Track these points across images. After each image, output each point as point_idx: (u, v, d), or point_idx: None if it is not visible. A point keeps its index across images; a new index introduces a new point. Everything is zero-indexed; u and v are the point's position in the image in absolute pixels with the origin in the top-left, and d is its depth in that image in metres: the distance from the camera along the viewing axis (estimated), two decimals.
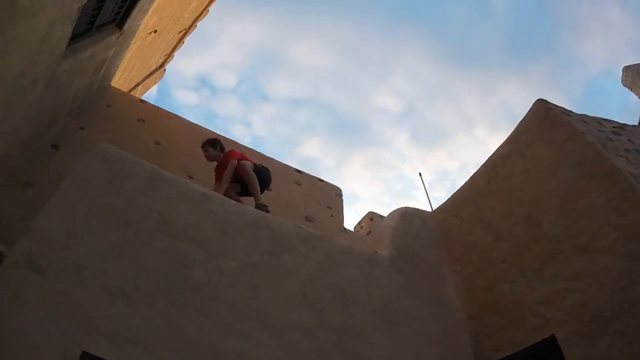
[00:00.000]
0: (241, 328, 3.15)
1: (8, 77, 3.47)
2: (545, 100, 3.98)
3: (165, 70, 7.07)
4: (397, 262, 4.07)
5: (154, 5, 4.58)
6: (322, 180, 6.11)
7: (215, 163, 4.94)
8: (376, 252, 4.19)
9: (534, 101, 4.05)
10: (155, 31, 4.99)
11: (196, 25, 6.78)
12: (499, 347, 3.65)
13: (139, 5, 4.38)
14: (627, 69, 5.85)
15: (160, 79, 6.92)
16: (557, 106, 3.99)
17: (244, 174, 4.55)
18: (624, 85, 6.02)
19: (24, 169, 4.27)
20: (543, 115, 3.89)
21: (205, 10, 6.52)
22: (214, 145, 4.93)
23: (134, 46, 4.79)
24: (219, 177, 4.83)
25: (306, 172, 6.25)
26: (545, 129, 3.84)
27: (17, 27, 3.28)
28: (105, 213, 3.21)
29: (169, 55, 6.87)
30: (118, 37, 4.48)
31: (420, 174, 6.78)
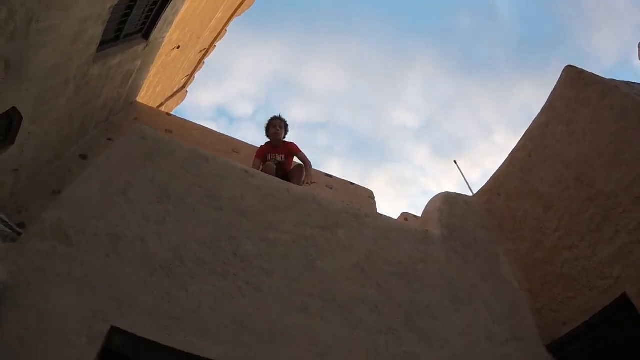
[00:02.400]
0: (301, 303, 2.89)
1: (41, 70, 3.48)
2: (574, 66, 3.92)
3: (187, 92, 7.19)
4: (450, 241, 3.83)
5: (177, 19, 4.83)
6: (352, 184, 5.99)
7: (266, 143, 5.04)
8: (427, 230, 3.93)
9: None
10: (179, 47, 5.20)
11: (215, 46, 7.00)
12: (566, 320, 3.37)
13: (164, 15, 4.64)
14: None
15: (182, 101, 7.05)
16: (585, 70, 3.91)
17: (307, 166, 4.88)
18: None
19: (52, 177, 4.11)
20: (575, 79, 3.85)
21: (223, 30, 6.73)
22: (286, 129, 5.07)
23: (159, 61, 4.99)
24: (262, 156, 4.89)
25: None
26: (579, 90, 3.78)
27: (52, 17, 3.39)
28: (144, 186, 3.06)
29: (190, 77, 7.04)
30: (144, 49, 4.68)
31: (455, 161, 6.70)
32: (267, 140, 4.99)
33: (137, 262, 2.77)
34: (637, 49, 5.70)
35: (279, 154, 4.96)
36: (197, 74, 6.70)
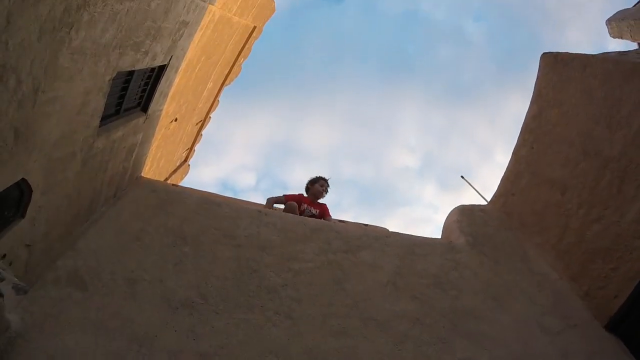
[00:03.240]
0: (337, 326, 2.73)
1: (49, 141, 3.62)
2: (548, 52, 4.02)
3: (189, 165, 7.41)
4: (477, 247, 3.67)
5: (172, 91, 5.17)
6: (367, 225, 6.06)
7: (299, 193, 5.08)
8: (451, 241, 3.80)
9: None
10: (176, 119, 5.44)
11: (210, 117, 7.27)
12: (616, 293, 3.17)
13: (159, 88, 4.95)
14: (609, 21, 6.21)
15: (186, 175, 7.14)
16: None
17: None
18: (613, 37, 6.31)
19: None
20: (553, 62, 3.92)
21: (215, 100, 7.10)
22: (326, 193, 5.16)
23: (159, 134, 5.21)
24: (295, 200, 4.86)
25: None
26: (560, 71, 3.84)
27: (57, 88, 3.62)
28: (158, 231, 3.02)
29: (191, 150, 7.21)
30: (144, 122, 4.93)
31: (462, 176, 6.58)
32: (303, 193, 5.14)
33: (156, 302, 2.60)
34: (606, 26, 5.89)
35: (314, 208, 4.99)
36: (197, 147, 6.97)
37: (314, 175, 5.26)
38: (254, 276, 2.92)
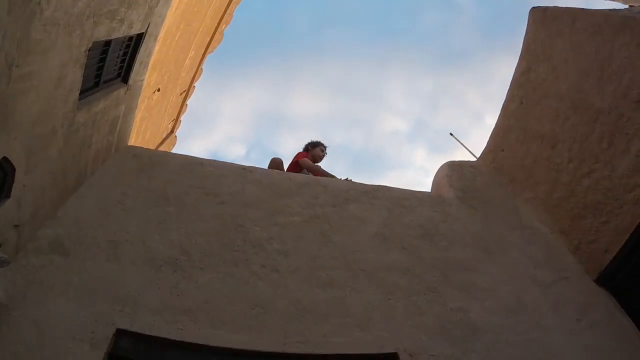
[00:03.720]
0: (326, 277, 2.65)
1: (27, 117, 3.49)
2: (537, 6, 3.92)
3: (176, 137, 7.24)
4: (467, 200, 3.59)
5: (152, 60, 4.97)
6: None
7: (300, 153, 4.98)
8: (440, 195, 3.72)
9: None
10: (159, 89, 5.28)
11: (195, 87, 7.15)
12: (607, 247, 3.12)
13: (138, 58, 4.77)
14: None
15: (173, 146, 6.93)
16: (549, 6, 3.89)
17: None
18: None
19: None
20: (542, 17, 3.82)
21: (199, 68, 6.98)
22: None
23: (142, 105, 5.03)
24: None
25: None
26: (549, 26, 3.75)
27: (32, 62, 3.46)
28: (140, 194, 2.91)
29: (177, 120, 7.05)
30: (126, 93, 4.76)
31: (451, 133, 6.49)
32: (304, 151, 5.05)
33: (139, 262, 2.49)
34: None
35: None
36: (183, 118, 6.81)
37: (314, 139, 5.17)
38: (238, 231, 2.82)
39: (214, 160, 3.34)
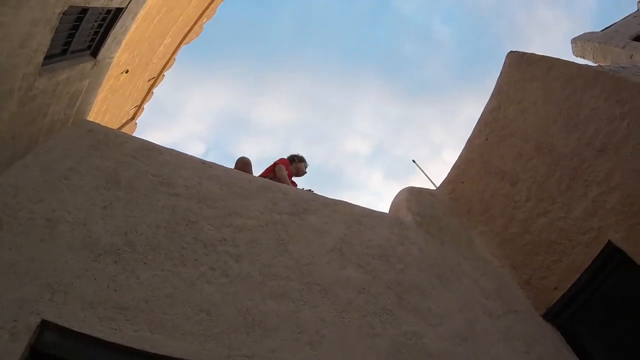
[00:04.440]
0: (278, 287, 2.42)
1: None
2: (516, 50, 3.92)
3: (136, 124, 6.72)
4: (424, 226, 3.47)
5: (126, 39, 4.59)
6: None
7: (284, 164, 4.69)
8: (399, 217, 3.58)
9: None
10: (127, 71, 4.88)
11: (164, 75, 6.69)
12: (556, 285, 3.11)
13: (112, 33, 4.39)
14: (575, 40, 6.43)
15: (132, 133, 6.64)
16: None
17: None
18: (576, 56, 6.55)
19: None
20: (519, 61, 3.82)
21: (172, 58, 6.49)
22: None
23: (107, 85, 4.62)
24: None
25: None
26: (524, 70, 3.75)
27: (2, 13, 3.08)
28: (90, 172, 2.59)
29: (139, 107, 6.52)
30: (92, 67, 4.35)
31: (414, 160, 6.59)
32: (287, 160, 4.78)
33: (77, 247, 2.16)
34: (571, 45, 6.01)
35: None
36: (146, 106, 6.35)
37: (299, 154, 4.91)
38: (190, 228, 2.52)
39: (174, 149, 3.03)
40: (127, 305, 2.06)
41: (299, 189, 3.44)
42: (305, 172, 4.89)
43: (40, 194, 2.33)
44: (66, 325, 1.88)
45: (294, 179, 4.75)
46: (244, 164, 4.07)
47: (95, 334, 1.91)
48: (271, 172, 4.44)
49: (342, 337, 2.33)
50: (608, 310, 2.90)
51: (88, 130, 2.86)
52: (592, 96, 3.24)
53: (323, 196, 3.32)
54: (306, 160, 4.97)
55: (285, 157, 4.77)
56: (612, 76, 3.25)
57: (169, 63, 5.97)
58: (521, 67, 3.75)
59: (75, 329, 1.89)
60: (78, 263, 2.12)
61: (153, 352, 1.95)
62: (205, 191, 2.80)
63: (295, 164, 4.81)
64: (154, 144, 3.04)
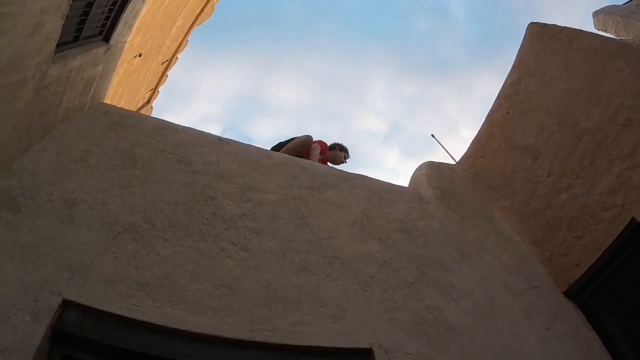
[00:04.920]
0: (299, 262, 2.36)
1: None
2: (537, 22, 3.77)
3: (152, 107, 6.73)
4: (444, 200, 3.38)
5: (137, 23, 4.51)
6: None
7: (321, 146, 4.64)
8: (419, 192, 3.48)
9: None
10: (140, 55, 4.82)
11: (177, 58, 6.60)
12: (579, 262, 3.00)
13: (123, 17, 4.31)
14: (596, 13, 6.20)
15: None
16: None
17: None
18: (597, 29, 6.29)
19: None
20: (540, 32, 3.66)
21: (184, 40, 6.42)
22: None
23: (121, 69, 4.57)
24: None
25: None
26: (546, 42, 3.60)
27: (10, 2, 3.04)
28: (106, 153, 2.57)
29: (154, 91, 6.47)
30: (105, 52, 4.30)
31: (433, 135, 6.23)
32: (328, 145, 4.67)
33: (96, 226, 2.12)
34: (592, 18, 5.77)
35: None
36: (161, 89, 6.30)
37: (343, 144, 4.74)
38: (209, 204, 2.47)
39: (190, 127, 2.97)
40: (147, 281, 2.02)
41: (321, 165, 3.34)
42: (344, 162, 4.65)
43: (57, 177, 2.28)
44: (87, 304, 1.85)
45: (330, 165, 4.60)
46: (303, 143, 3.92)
47: (117, 311, 1.87)
48: (307, 150, 4.28)
49: (364, 310, 2.27)
50: (630, 290, 2.79)
51: (103, 112, 2.81)
52: (616, 69, 3.09)
53: (342, 170, 3.24)
54: (349, 151, 4.72)
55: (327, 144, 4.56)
56: (637, 49, 3.09)
57: (182, 45, 5.88)
58: (542, 39, 3.59)
59: (97, 307, 1.85)
60: (97, 242, 2.08)
61: (174, 327, 1.91)
62: (223, 167, 2.74)
63: (334, 152, 4.62)
64: (170, 122, 2.98)
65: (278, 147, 4.51)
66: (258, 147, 3.05)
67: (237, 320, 2.02)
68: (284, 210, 2.61)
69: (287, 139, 4.49)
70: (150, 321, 1.89)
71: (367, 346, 2.13)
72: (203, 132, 2.97)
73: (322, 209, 2.73)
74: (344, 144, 4.72)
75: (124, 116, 2.86)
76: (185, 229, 2.30)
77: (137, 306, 1.92)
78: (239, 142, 3.02)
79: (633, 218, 2.81)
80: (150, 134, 2.75)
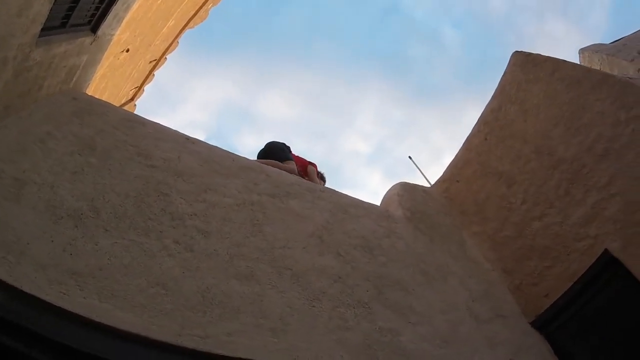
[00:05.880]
0: (246, 268, 2.15)
1: None
2: (521, 50, 3.64)
3: (135, 106, 6.50)
4: (414, 221, 3.17)
5: (127, 17, 4.36)
6: None
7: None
8: (388, 210, 3.29)
9: None
10: (128, 50, 4.67)
11: (166, 58, 6.43)
12: (548, 292, 2.81)
13: (114, 9, 4.17)
14: (582, 50, 6.13)
15: None
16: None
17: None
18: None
19: None
20: (524, 61, 3.54)
21: (175, 41, 6.25)
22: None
23: (106, 62, 4.40)
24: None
25: None
26: (529, 71, 3.47)
27: None
28: (67, 138, 2.42)
29: (140, 89, 6.30)
30: (92, 43, 4.14)
31: (410, 157, 6.15)
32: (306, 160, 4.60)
33: (40, 209, 1.95)
34: (578, 55, 5.68)
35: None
36: (147, 88, 6.11)
37: (323, 171, 4.66)
38: (160, 200, 2.29)
39: (158, 123, 2.79)
40: (80, 270, 1.84)
41: (287, 175, 3.14)
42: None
43: (13, 155, 2.15)
44: (15, 284, 1.68)
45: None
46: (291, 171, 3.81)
47: (43, 296, 1.71)
48: (302, 167, 4.24)
49: (309, 327, 2.04)
50: (600, 324, 2.59)
51: (73, 97, 2.67)
52: (597, 99, 2.95)
53: (310, 182, 3.03)
54: (325, 180, 4.66)
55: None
56: (619, 80, 2.97)
57: (172, 46, 5.75)
58: (526, 67, 3.46)
59: (23, 289, 1.68)
60: (38, 224, 1.93)
61: (98, 321, 1.72)
62: (184, 165, 2.55)
63: (311, 177, 4.49)
64: (138, 116, 2.81)
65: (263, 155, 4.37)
66: (225, 150, 2.86)
67: (167, 322, 1.83)
68: (239, 214, 2.41)
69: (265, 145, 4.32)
70: (74, 311, 1.71)
71: None
72: (170, 129, 2.79)
73: (281, 217, 2.52)
74: (324, 174, 4.57)
75: (92, 104, 2.70)
76: (131, 222, 2.12)
77: (64, 294, 1.75)
78: (206, 143, 2.84)
79: (606, 250, 2.64)
80: (115, 125, 2.58)
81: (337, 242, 2.58)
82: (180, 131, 2.89)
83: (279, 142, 4.55)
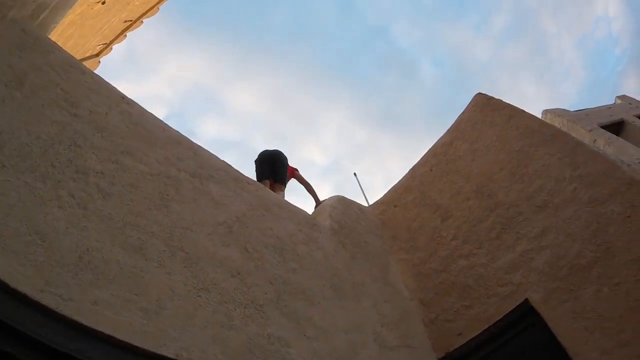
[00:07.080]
0: (137, 240, 1.92)
1: None
2: (484, 93, 3.55)
3: (99, 62, 6.04)
4: (339, 235, 2.97)
5: None
6: None
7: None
8: (315, 218, 3.09)
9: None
10: (104, 2, 4.37)
11: (142, 22, 6.05)
12: (462, 330, 2.69)
13: None
14: (546, 112, 6.13)
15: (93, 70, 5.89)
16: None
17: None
18: None
19: None
20: (484, 104, 3.45)
21: (155, 7, 5.65)
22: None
23: (78, 9, 4.06)
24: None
25: None
26: (487, 114, 3.39)
27: None
28: (0, 67, 2.14)
29: (108, 46, 5.83)
30: None
31: (355, 173, 5.97)
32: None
33: None
34: (541, 115, 5.74)
35: None
36: (115, 47, 5.67)
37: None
38: (71, 150, 2.04)
39: (99, 76, 2.51)
40: None
41: (219, 159, 2.82)
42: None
43: None
44: None
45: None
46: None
47: None
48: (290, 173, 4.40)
49: (187, 316, 1.79)
50: None
51: (22, 29, 2.40)
52: (547, 153, 2.90)
53: (239, 171, 2.77)
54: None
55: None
56: (572, 139, 2.92)
57: (152, 11, 5.41)
58: (485, 109, 3.39)
59: None
60: None
61: None
62: (109, 123, 2.30)
63: (304, 178, 4.80)
64: (81, 64, 2.53)
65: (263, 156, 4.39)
66: (159, 119, 2.60)
67: (33, 274, 1.59)
68: (149, 185, 2.20)
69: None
70: None
71: (171, 356, 1.62)
72: (109, 84, 2.54)
73: (194, 198, 2.30)
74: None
75: (39, 40, 2.45)
76: (32, 163, 1.88)
77: None
78: (141, 107, 2.56)
79: (527, 299, 2.58)
80: (54, 66, 2.34)
81: (247, 237, 2.37)
82: (141, 104, 2.58)
83: (285, 157, 4.51)
